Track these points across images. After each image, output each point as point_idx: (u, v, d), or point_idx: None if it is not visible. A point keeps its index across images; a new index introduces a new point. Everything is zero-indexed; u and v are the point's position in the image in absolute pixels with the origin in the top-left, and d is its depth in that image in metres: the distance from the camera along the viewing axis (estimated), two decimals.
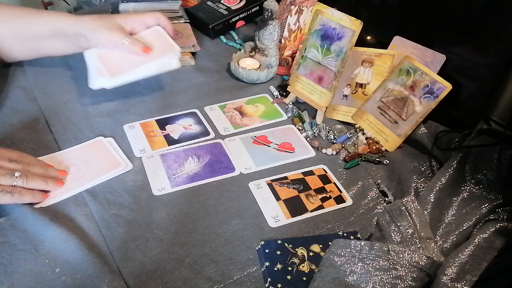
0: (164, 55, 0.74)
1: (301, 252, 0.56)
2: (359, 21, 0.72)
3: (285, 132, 0.76)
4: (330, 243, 0.53)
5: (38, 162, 0.61)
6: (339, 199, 0.65)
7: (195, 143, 0.72)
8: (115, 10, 1.00)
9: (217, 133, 0.75)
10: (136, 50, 0.70)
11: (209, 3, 1.05)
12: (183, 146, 0.71)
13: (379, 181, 0.69)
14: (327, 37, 0.75)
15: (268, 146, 0.73)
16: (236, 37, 1.02)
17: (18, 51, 0.75)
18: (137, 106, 0.77)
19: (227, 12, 1.01)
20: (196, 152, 0.70)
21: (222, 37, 1.02)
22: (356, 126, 0.79)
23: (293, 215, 0.61)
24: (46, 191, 0.60)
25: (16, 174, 0.55)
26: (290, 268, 0.54)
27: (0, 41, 0.72)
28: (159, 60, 0.74)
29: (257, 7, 1.03)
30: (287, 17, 0.88)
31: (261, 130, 0.76)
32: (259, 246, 0.56)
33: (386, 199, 0.66)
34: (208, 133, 0.74)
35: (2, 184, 0.55)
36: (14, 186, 0.55)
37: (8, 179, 0.55)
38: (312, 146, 0.74)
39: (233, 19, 1.02)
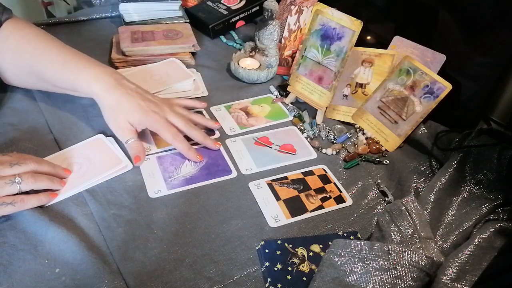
0: (179, 82, 0.81)
1: (301, 252, 0.56)
2: (359, 21, 0.72)
3: (287, 133, 0.76)
4: (330, 243, 0.53)
5: (43, 161, 0.61)
6: (339, 199, 0.65)
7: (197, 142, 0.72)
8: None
9: (223, 133, 0.75)
10: (130, 154, 0.66)
11: (209, 3, 1.05)
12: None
13: (379, 181, 0.69)
14: (327, 37, 0.75)
15: (270, 147, 0.73)
16: (236, 37, 1.02)
17: (23, 83, 0.73)
18: None
19: (227, 12, 1.01)
20: None
21: (222, 37, 1.02)
22: (356, 126, 0.79)
23: (293, 215, 0.61)
24: (54, 190, 0.59)
25: (16, 180, 0.55)
26: (290, 268, 0.54)
27: (11, 69, 0.70)
28: (175, 86, 0.80)
29: (257, 7, 1.03)
30: (287, 17, 0.88)
31: (267, 130, 0.76)
32: (259, 246, 0.56)
33: (386, 199, 0.66)
34: (213, 133, 0.74)
35: (1, 195, 0.54)
36: (16, 194, 0.55)
37: (8, 188, 0.54)
38: (312, 146, 0.74)
39: (233, 19, 1.02)
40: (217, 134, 0.74)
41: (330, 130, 0.78)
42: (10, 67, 0.70)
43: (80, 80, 0.66)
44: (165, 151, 0.69)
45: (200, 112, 0.78)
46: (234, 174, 0.67)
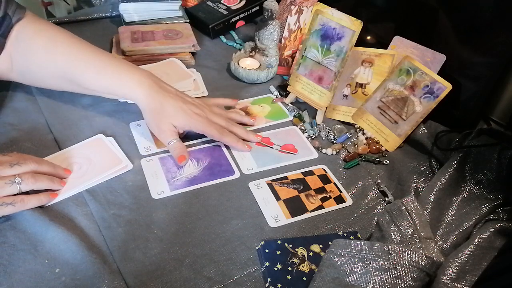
0: (179, 82, 0.80)
1: (301, 252, 0.56)
2: (359, 21, 0.72)
3: (288, 133, 0.76)
4: (330, 243, 0.53)
5: (43, 161, 0.61)
6: (339, 199, 0.65)
7: (199, 143, 0.72)
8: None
9: None
10: (173, 155, 0.66)
11: (209, 3, 1.05)
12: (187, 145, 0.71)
13: (379, 181, 0.69)
14: (327, 37, 0.75)
15: (271, 147, 0.73)
16: (236, 37, 1.02)
17: (51, 85, 0.72)
18: (137, 106, 0.77)
19: (227, 12, 1.01)
20: (195, 155, 0.69)
21: (222, 37, 1.02)
22: (356, 126, 0.79)
23: (293, 215, 0.61)
24: (54, 190, 0.59)
25: (17, 180, 0.55)
26: (290, 268, 0.54)
27: (37, 71, 0.68)
28: (175, 86, 0.79)
29: (257, 7, 1.03)
30: (287, 17, 0.88)
31: (267, 130, 0.76)
32: (259, 246, 0.56)
33: (386, 199, 0.66)
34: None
35: (1, 196, 0.54)
36: (16, 194, 0.55)
37: (8, 188, 0.54)
38: (312, 146, 0.74)
39: (233, 19, 1.02)
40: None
41: (330, 130, 0.78)
42: (37, 69, 0.68)
43: (122, 86, 0.66)
44: (165, 151, 0.69)
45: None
46: (237, 174, 0.67)
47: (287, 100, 0.83)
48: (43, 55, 0.67)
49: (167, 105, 0.66)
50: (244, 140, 0.72)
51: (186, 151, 0.67)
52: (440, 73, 0.73)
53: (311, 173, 0.69)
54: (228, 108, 0.79)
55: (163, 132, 0.66)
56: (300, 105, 0.83)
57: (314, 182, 0.67)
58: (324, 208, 0.63)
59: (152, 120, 0.67)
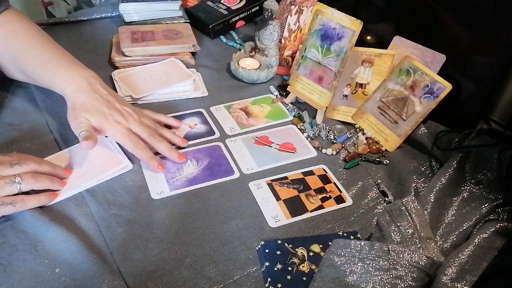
0: (179, 82, 0.81)
1: (301, 252, 0.56)
2: (359, 21, 0.72)
3: (287, 132, 0.76)
4: (330, 243, 0.53)
5: (43, 161, 0.61)
6: (339, 199, 0.65)
7: (199, 143, 0.72)
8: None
9: (223, 133, 0.75)
10: (80, 139, 0.61)
11: (209, 3, 1.05)
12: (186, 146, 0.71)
13: (379, 181, 0.69)
14: (327, 37, 0.75)
15: (270, 146, 0.73)
16: (236, 37, 1.02)
17: (16, 77, 0.74)
18: (138, 106, 0.77)
19: (227, 12, 1.01)
20: (195, 155, 0.69)
21: (222, 37, 1.02)
22: (356, 126, 0.79)
23: (293, 215, 0.61)
24: (54, 190, 0.59)
25: (17, 180, 0.55)
26: (290, 268, 0.54)
27: (9, 62, 0.71)
28: (175, 86, 0.81)
29: (257, 7, 1.03)
30: (287, 17, 0.88)
31: (266, 130, 0.76)
32: (259, 246, 0.56)
33: (386, 199, 0.66)
34: (213, 133, 0.74)
35: (1, 195, 0.54)
36: (17, 194, 0.55)
37: (8, 188, 0.54)
38: (312, 146, 0.74)
39: (233, 19, 1.02)
40: (217, 134, 0.74)
41: (330, 130, 0.78)
42: (1, 60, 0.71)
43: (56, 82, 0.66)
44: None
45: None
46: (236, 174, 0.67)
47: (287, 100, 0.83)
48: (3, 47, 0.69)
49: (88, 105, 0.63)
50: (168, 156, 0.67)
51: (95, 138, 0.62)
52: (440, 73, 0.73)
53: (311, 173, 0.69)
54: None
55: (78, 124, 0.62)
56: (300, 105, 0.83)
57: (314, 182, 0.67)
58: (324, 208, 0.63)
59: (71, 115, 0.63)
